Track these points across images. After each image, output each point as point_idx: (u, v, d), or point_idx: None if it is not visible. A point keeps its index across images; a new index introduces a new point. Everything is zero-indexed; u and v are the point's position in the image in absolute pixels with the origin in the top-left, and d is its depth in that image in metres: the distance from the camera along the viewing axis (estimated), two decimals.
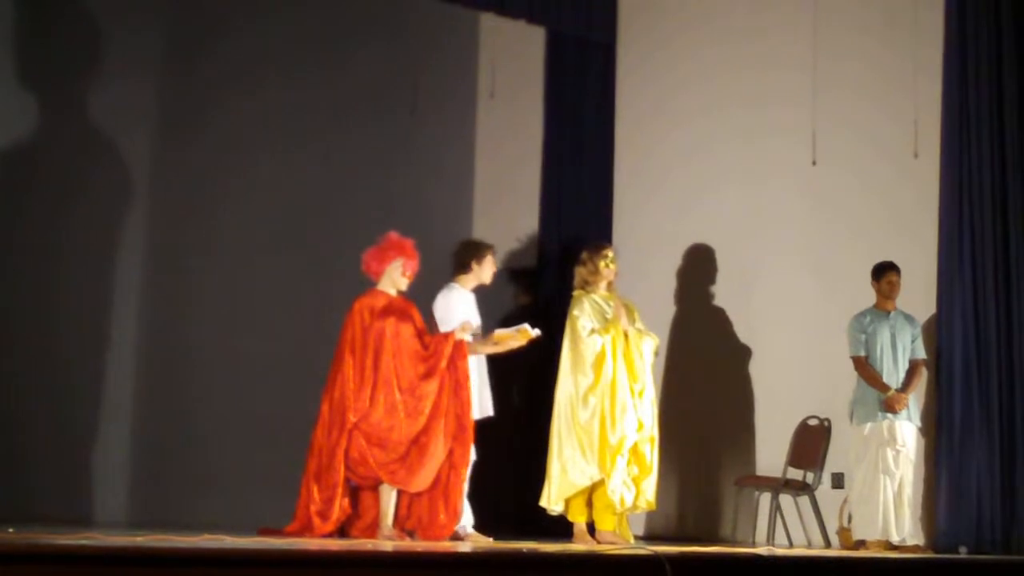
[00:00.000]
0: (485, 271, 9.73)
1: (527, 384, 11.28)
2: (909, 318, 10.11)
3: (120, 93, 11.48)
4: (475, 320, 9.57)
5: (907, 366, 10.02)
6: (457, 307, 9.54)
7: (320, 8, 12.04)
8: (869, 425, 9.90)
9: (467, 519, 9.41)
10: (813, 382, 10.88)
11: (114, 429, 11.43)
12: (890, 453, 9.82)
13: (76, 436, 11.17)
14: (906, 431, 9.89)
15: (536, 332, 9.56)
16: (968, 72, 10.06)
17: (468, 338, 9.34)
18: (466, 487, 9.40)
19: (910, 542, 9.75)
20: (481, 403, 9.51)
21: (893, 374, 9.98)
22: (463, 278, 9.71)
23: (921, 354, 10.05)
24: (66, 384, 11.06)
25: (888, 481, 9.79)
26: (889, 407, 9.85)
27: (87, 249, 11.30)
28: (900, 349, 10.02)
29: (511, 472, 11.18)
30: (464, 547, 8.48)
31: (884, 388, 9.89)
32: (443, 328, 9.45)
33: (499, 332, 9.55)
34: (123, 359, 11.56)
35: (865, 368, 10.01)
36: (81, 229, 11.23)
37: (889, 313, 10.10)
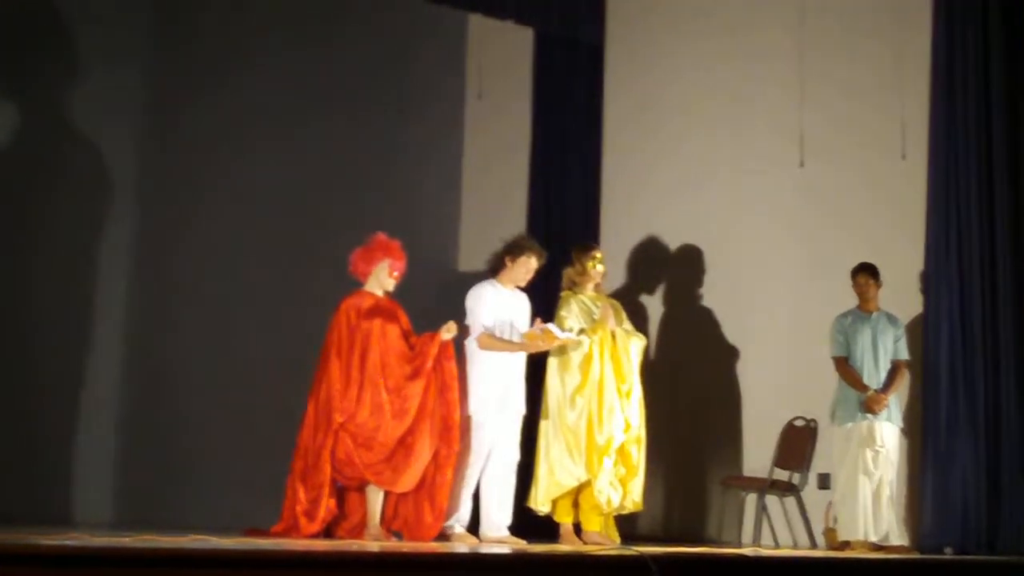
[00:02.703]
0: (519, 272, 9.58)
1: None
2: (892, 319, 10.13)
3: (104, 91, 11.50)
4: (506, 318, 9.50)
5: (889, 367, 10.03)
6: (491, 302, 9.47)
7: (307, 7, 12.04)
8: (849, 425, 9.92)
9: (463, 517, 9.39)
10: (799, 383, 10.89)
11: (99, 430, 11.45)
12: (869, 453, 9.84)
13: (60, 436, 11.17)
14: (886, 432, 9.90)
15: (564, 335, 9.53)
16: (956, 72, 10.08)
17: (485, 337, 9.32)
18: (471, 487, 9.38)
19: (895, 543, 9.77)
20: (510, 402, 9.47)
21: (874, 375, 9.99)
22: (501, 273, 9.61)
23: (904, 355, 10.07)
24: (50, 385, 11.07)
25: (867, 481, 9.81)
26: (868, 408, 9.86)
27: (70, 248, 11.31)
28: (881, 350, 10.03)
29: None
30: (449, 548, 8.48)
31: (863, 389, 9.91)
32: (467, 321, 9.43)
33: (527, 331, 9.50)
34: (108, 359, 11.57)
35: (845, 369, 10.02)
36: (65, 228, 11.24)
37: (871, 314, 10.12)
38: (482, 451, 9.37)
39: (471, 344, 9.45)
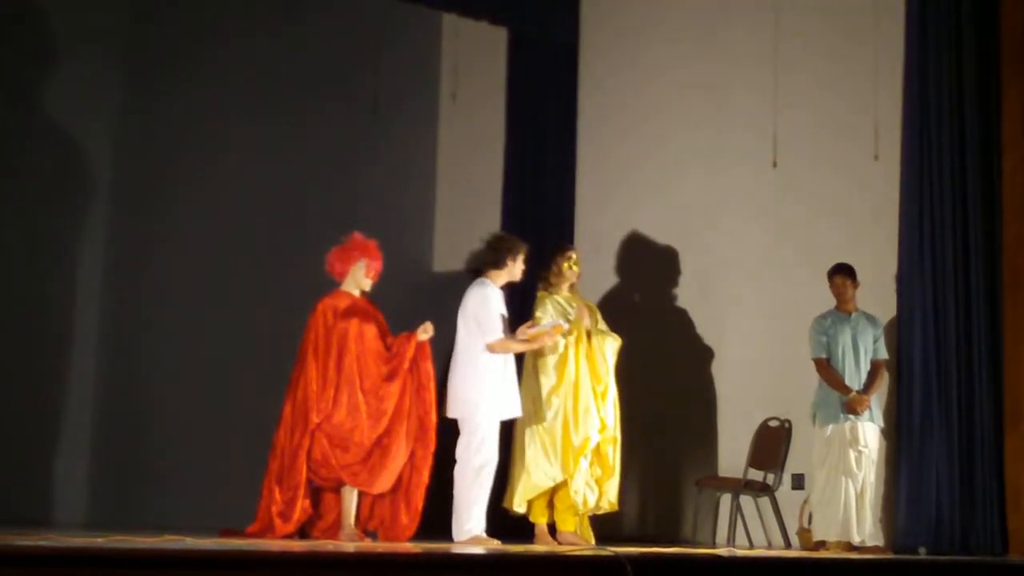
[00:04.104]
0: (518, 269, 9.51)
1: None
2: (871, 319, 10.13)
3: (78, 90, 11.45)
4: (504, 318, 9.39)
5: (869, 367, 10.04)
6: (497, 304, 9.35)
7: (282, 6, 12.01)
8: (831, 427, 9.91)
9: (476, 529, 9.23)
10: (774, 383, 10.90)
11: (74, 430, 11.41)
12: (852, 454, 9.84)
13: (34, 437, 11.12)
14: (868, 432, 9.91)
15: (567, 327, 9.52)
16: (929, 73, 10.11)
17: (500, 342, 9.23)
18: (486, 496, 9.30)
19: (870, 543, 9.79)
20: (508, 403, 9.37)
21: (855, 376, 9.99)
22: (495, 274, 9.47)
23: (883, 355, 10.07)
24: (24, 385, 11.02)
25: (850, 482, 9.81)
26: (851, 409, 9.86)
27: (44, 247, 11.25)
28: (862, 350, 10.03)
29: None
30: (424, 548, 8.47)
31: (845, 390, 9.91)
32: (479, 325, 9.29)
33: (532, 331, 9.42)
34: (84, 359, 11.54)
35: (827, 370, 10.02)
36: (40, 227, 11.19)
37: (850, 315, 10.12)
38: (494, 458, 9.30)
39: (471, 348, 9.29)
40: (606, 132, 12.03)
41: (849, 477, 9.82)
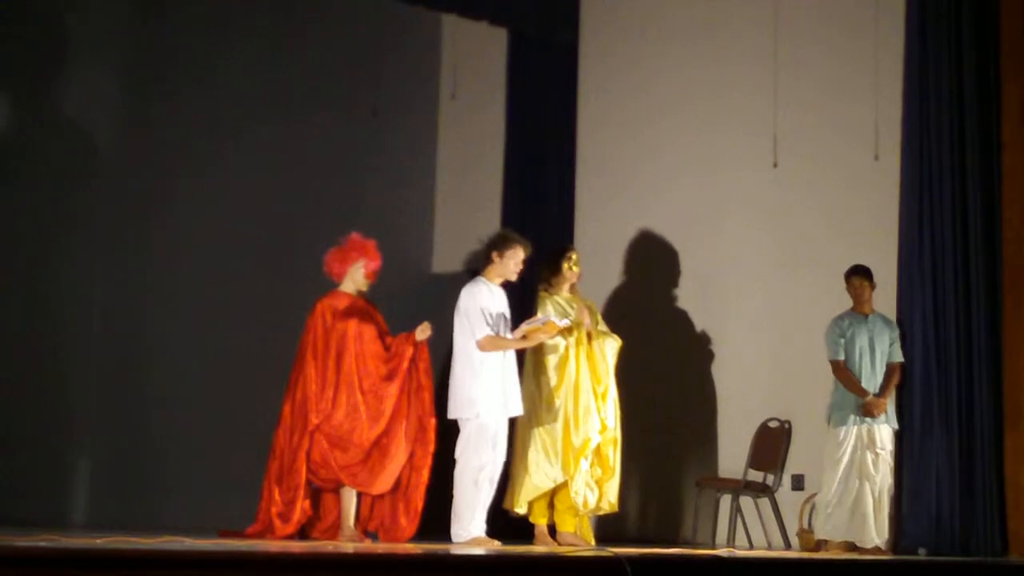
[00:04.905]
0: (508, 265, 9.34)
1: None
2: (887, 321, 10.08)
3: (83, 92, 11.44)
4: (500, 315, 9.30)
5: (884, 370, 9.99)
6: (484, 301, 9.25)
7: (281, 7, 12.00)
8: (846, 428, 9.86)
9: (476, 530, 9.17)
10: (774, 384, 10.90)
11: (74, 431, 11.38)
12: (869, 457, 9.80)
13: (33, 437, 11.10)
14: (884, 434, 9.86)
15: (563, 323, 9.49)
16: (929, 73, 10.11)
17: (489, 339, 9.17)
18: (488, 495, 9.26)
19: (871, 544, 9.78)
20: (509, 401, 9.30)
21: (871, 378, 9.93)
22: (488, 269, 9.40)
23: (898, 357, 10.00)
24: (27, 385, 11.00)
25: (868, 485, 9.76)
26: (867, 412, 9.81)
27: (46, 252, 11.23)
28: (878, 353, 9.97)
29: None
30: (424, 549, 8.46)
31: (863, 393, 9.86)
32: (466, 321, 9.23)
33: (527, 327, 9.37)
34: (82, 358, 11.50)
35: (844, 372, 9.96)
36: (43, 231, 11.17)
37: (867, 316, 10.06)
38: (496, 455, 9.25)
39: (466, 347, 9.23)
40: (606, 132, 12.03)
41: (867, 480, 9.77)
